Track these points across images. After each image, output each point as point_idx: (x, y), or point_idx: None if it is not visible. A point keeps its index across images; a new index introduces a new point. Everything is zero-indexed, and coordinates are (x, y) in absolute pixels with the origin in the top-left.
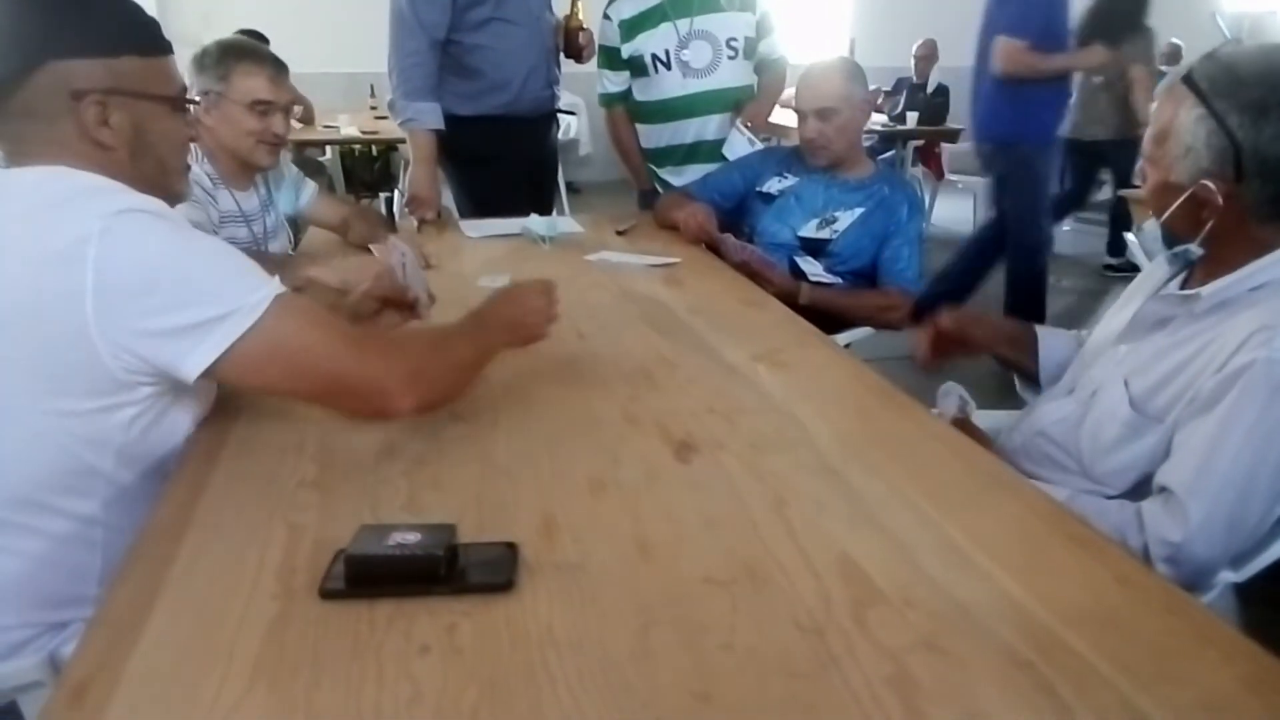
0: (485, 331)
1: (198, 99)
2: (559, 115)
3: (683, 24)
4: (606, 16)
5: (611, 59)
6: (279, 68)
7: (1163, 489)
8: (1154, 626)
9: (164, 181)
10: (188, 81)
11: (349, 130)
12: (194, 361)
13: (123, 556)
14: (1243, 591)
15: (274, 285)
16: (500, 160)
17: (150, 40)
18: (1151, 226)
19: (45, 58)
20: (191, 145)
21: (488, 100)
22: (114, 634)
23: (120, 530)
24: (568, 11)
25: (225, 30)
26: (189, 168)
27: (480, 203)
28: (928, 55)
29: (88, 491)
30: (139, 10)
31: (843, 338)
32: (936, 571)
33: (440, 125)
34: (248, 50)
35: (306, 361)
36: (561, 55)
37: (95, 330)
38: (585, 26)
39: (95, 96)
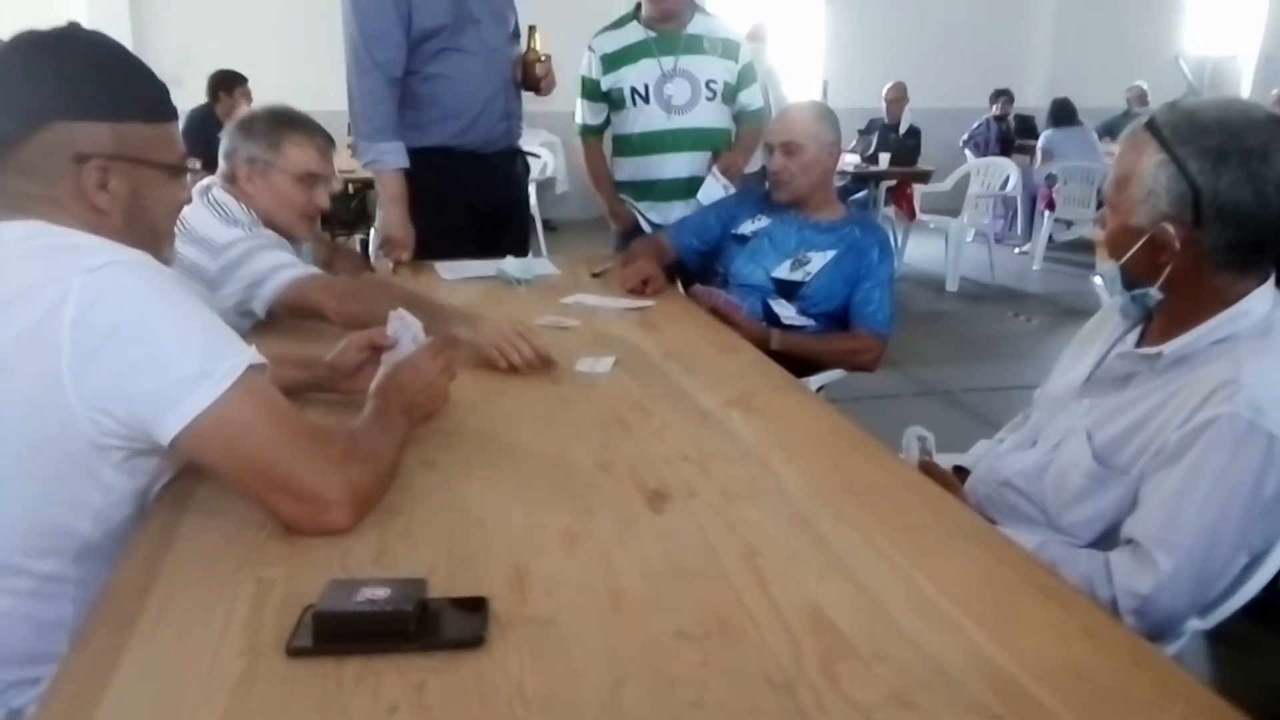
0: (400, 424)
1: (196, 168)
2: (528, 156)
3: (666, 61)
4: (590, 49)
5: (590, 90)
6: (328, 139)
7: (1130, 540)
8: (1121, 679)
9: (154, 246)
10: (228, 144)
11: None
12: (168, 425)
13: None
14: (1212, 635)
15: (249, 354)
16: (448, 198)
17: (158, 107)
18: (1110, 269)
19: (52, 117)
20: (242, 207)
21: (437, 130)
22: (77, 692)
23: (91, 584)
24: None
25: (202, 67)
26: (174, 235)
27: (427, 244)
28: (898, 98)
29: (58, 551)
30: (150, 76)
31: (814, 380)
32: (906, 623)
33: (405, 164)
34: (300, 121)
35: (252, 447)
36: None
37: (71, 390)
38: (542, 58)
39: (98, 161)
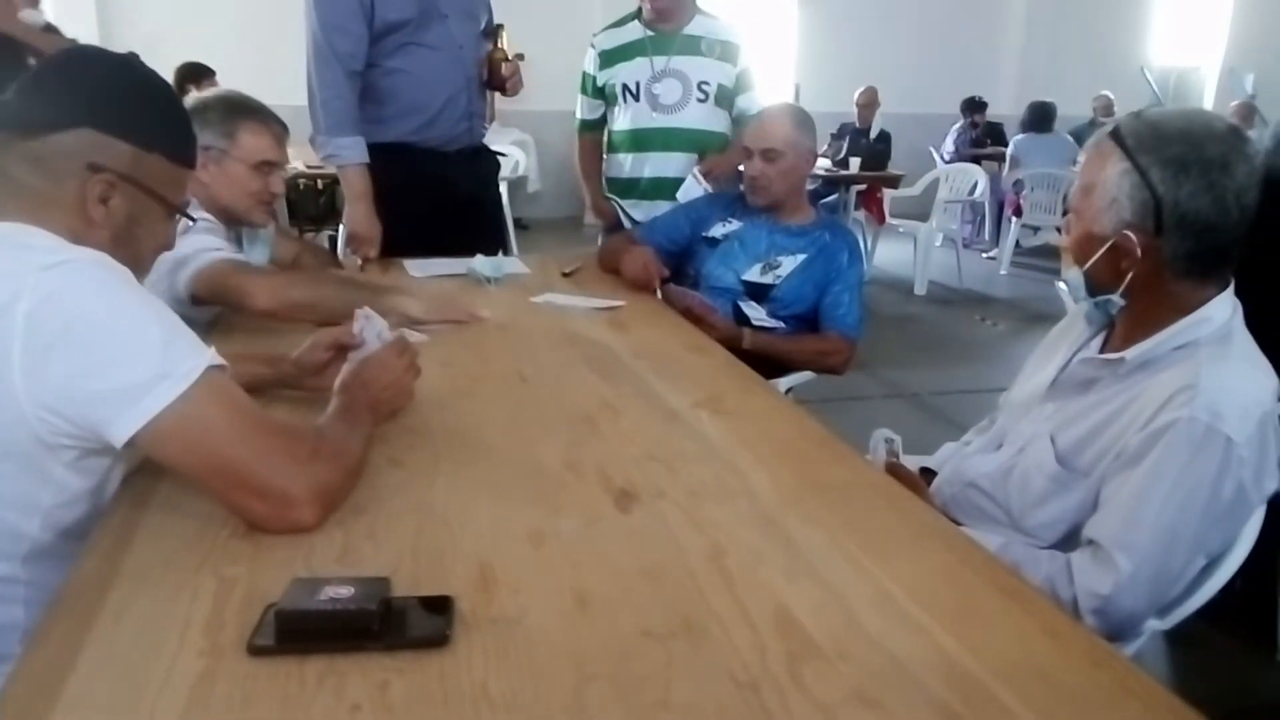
0: (365, 421)
1: (195, 217)
2: (497, 155)
3: (659, 61)
4: (592, 45)
5: (588, 86)
6: (282, 126)
7: (1091, 542)
8: (1080, 679)
9: (133, 271)
10: None
11: (295, 164)
12: (122, 426)
13: (45, 610)
14: (1170, 635)
15: (208, 355)
16: (408, 194)
17: (183, 150)
18: (1074, 275)
19: (84, 123)
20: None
21: (396, 126)
22: (31, 693)
23: (43, 585)
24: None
25: (170, 59)
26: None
27: (390, 240)
28: (869, 102)
29: (7, 553)
30: (188, 124)
31: (784, 382)
32: (871, 623)
33: (365, 159)
34: (254, 108)
35: (215, 445)
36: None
37: (21, 390)
38: (509, 58)
39: (109, 176)
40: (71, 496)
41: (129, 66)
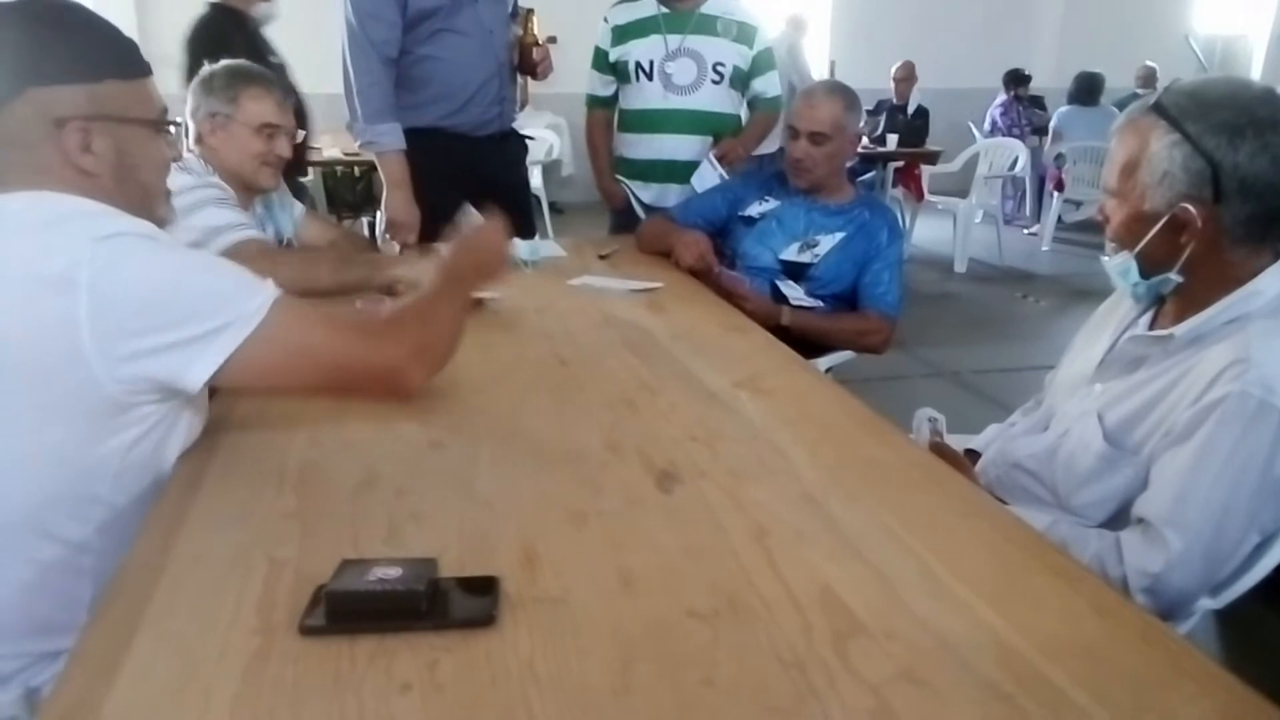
0: (460, 284)
1: (178, 121)
2: (526, 138)
3: (673, 39)
4: (605, 19)
5: (600, 61)
6: (285, 92)
7: (1141, 520)
8: (1132, 658)
9: (148, 205)
10: (192, 103)
11: (331, 151)
12: (196, 372)
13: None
14: (1222, 615)
15: (270, 290)
16: (436, 178)
17: (130, 62)
18: (1120, 261)
19: (25, 85)
20: (201, 161)
21: (427, 111)
22: (92, 670)
23: (110, 556)
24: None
25: None
26: (169, 193)
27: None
28: (907, 77)
29: (84, 516)
30: (117, 32)
31: (823, 362)
32: (916, 602)
33: (403, 145)
34: (256, 75)
35: (315, 357)
36: (523, 73)
37: (93, 355)
38: (540, 42)
39: (78, 123)
40: (140, 458)
41: (33, 8)
